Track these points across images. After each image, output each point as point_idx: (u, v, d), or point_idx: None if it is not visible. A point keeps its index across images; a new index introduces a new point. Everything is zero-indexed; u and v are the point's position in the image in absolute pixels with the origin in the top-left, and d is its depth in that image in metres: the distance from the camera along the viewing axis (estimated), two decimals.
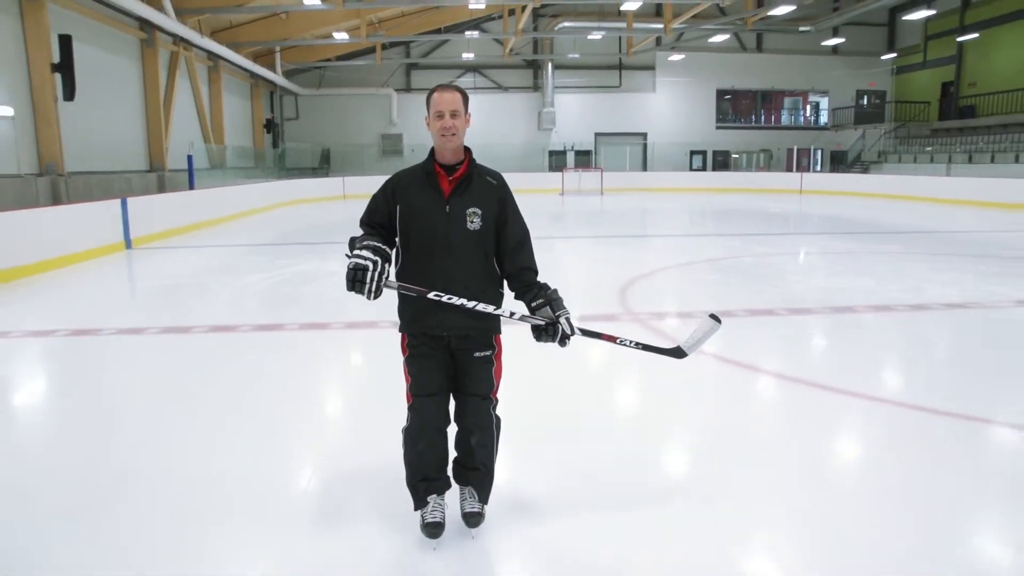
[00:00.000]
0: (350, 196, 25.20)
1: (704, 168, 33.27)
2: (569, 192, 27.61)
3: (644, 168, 32.73)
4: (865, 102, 33.93)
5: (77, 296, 8.15)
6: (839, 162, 32.69)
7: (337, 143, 31.43)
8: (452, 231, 2.58)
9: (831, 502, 3.08)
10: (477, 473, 2.79)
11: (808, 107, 35.15)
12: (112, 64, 16.41)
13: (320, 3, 18.07)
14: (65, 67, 12.99)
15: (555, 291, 2.67)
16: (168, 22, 17.09)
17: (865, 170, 30.04)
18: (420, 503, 2.77)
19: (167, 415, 4.28)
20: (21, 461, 3.71)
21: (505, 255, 2.67)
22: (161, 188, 17.48)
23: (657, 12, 26.58)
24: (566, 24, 28.15)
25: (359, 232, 2.63)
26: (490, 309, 2.59)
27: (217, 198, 16.94)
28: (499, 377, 2.79)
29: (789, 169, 31.68)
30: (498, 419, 2.82)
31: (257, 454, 3.66)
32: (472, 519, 2.79)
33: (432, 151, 2.65)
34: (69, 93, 13.19)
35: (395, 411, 2.94)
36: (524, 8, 21.18)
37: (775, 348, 5.72)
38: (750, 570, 2.68)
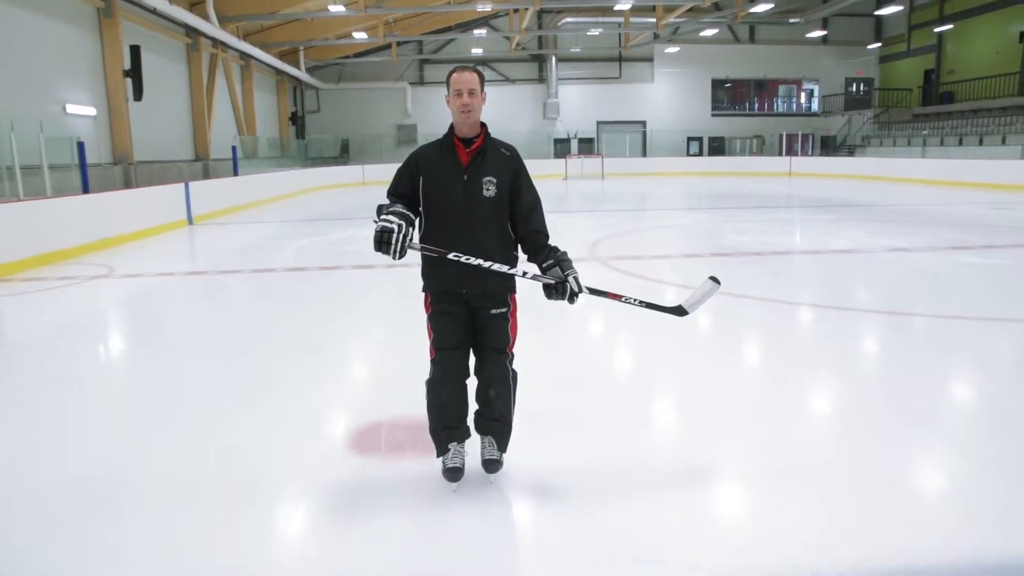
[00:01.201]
0: (369, 183, 27.47)
1: (700, 153, 35.26)
2: (572, 177, 29.70)
3: (644, 154, 34.77)
4: (854, 89, 35.78)
5: (177, 253, 10.51)
6: (829, 146, 34.62)
7: (356, 134, 33.70)
8: (470, 198, 2.81)
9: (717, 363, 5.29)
10: (496, 424, 2.97)
11: (803, 94, 37.07)
12: (166, 67, 18.79)
13: (344, 9, 20.29)
14: (134, 72, 15.34)
15: (564, 253, 2.89)
16: (211, 28, 19.40)
17: (851, 153, 32.00)
18: (442, 450, 2.96)
19: (272, 327, 6.60)
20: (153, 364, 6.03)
21: (518, 220, 2.90)
22: (206, 175, 19.82)
23: (654, 7, 28.67)
24: (568, 20, 30.33)
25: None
26: (504, 268, 2.79)
27: (256, 183, 19.27)
28: (515, 333, 3.00)
29: (781, 154, 33.68)
30: (515, 373, 3.02)
31: (329, 374, 5.45)
32: (491, 466, 2.96)
33: (451, 126, 2.90)
34: (138, 94, 15.55)
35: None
36: (528, 8, 23.24)
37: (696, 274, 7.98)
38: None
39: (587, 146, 34.22)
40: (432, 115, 33.25)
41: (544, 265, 2.86)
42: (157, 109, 18.03)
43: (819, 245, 9.76)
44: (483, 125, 2.92)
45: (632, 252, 9.94)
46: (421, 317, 2.99)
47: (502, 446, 3.00)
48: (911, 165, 24.71)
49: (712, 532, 2.66)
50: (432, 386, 2.93)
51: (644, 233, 11.82)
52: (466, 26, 31.35)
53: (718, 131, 35.56)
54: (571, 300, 2.81)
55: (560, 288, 2.79)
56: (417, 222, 2.87)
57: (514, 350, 2.99)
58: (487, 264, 2.76)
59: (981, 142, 24.53)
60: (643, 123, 35.07)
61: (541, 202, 2.96)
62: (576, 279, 2.80)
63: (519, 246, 2.96)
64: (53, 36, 13.86)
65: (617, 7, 23.22)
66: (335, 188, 26.06)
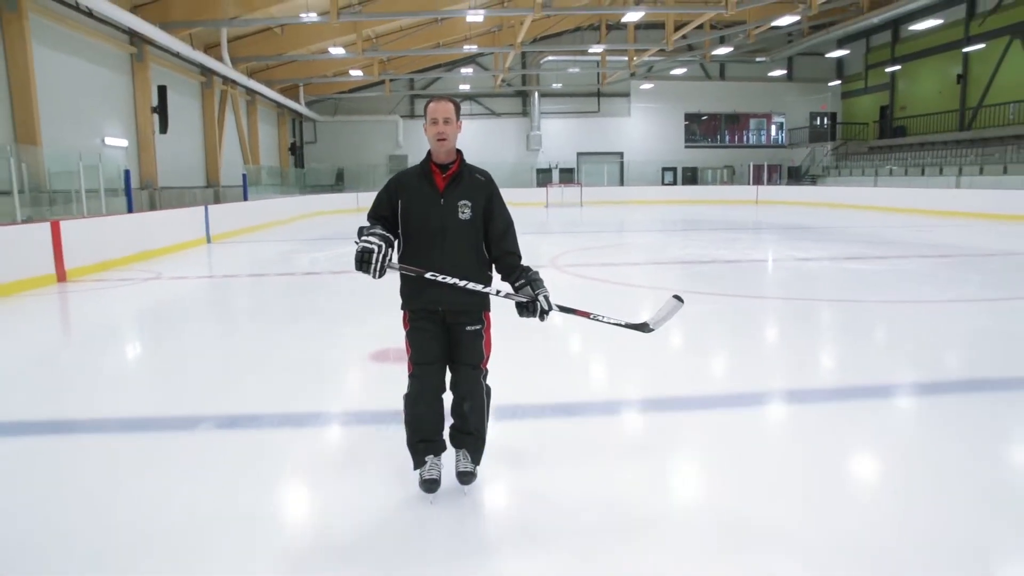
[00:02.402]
0: (363, 209, 28.98)
1: (675, 182, 37.63)
2: (553, 205, 31.85)
3: (621, 183, 37.11)
4: (818, 123, 38.36)
5: (209, 263, 12.49)
6: (795, 176, 37.07)
7: (351, 163, 35.89)
8: (446, 220, 2.92)
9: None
10: (470, 437, 3.08)
11: (773, 127, 39.65)
12: (184, 104, 20.94)
13: (344, 51, 22.53)
14: (161, 109, 17.44)
15: (536, 272, 3.00)
16: (224, 68, 21.58)
17: (813, 183, 34.42)
18: (419, 462, 3.06)
19: (299, 308, 8.61)
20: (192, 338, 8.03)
21: (492, 241, 3.01)
22: (217, 200, 21.85)
23: (626, 50, 31.15)
24: (549, 59, 32.82)
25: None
26: (479, 287, 2.90)
27: (263, 208, 21.29)
28: (488, 349, 3.11)
29: (750, 183, 36.08)
30: (488, 388, 3.14)
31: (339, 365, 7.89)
32: (465, 478, 3.07)
33: (428, 153, 3.02)
34: (163, 128, 17.65)
35: None
36: (509, 52, 25.59)
37: (641, 277, 10.05)
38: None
39: (568, 176, 36.53)
40: (422, 146, 34.23)
41: (516, 284, 2.99)
42: (176, 141, 20.11)
43: (741, 256, 11.91)
44: (459, 152, 3.05)
45: (596, 262, 12.03)
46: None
47: (476, 459, 3.11)
48: (864, 193, 27.10)
49: (688, 549, 2.72)
50: (410, 400, 3.04)
51: (601, 248, 13.92)
52: (454, 64, 33.75)
53: (691, 162, 37.98)
54: (541, 317, 2.93)
55: (531, 306, 2.91)
56: (396, 243, 2.99)
57: (488, 366, 3.12)
58: (462, 283, 2.88)
59: (923, 172, 26.95)
60: (620, 154, 37.45)
61: (514, 225, 3.10)
62: (546, 297, 2.93)
63: (493, 266, 3.09)
64: (95, 78, 16.00)
65: (591, 51, 25.57)
66: (332, 214, 28.09)
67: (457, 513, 2.98)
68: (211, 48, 21.11)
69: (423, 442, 3.06)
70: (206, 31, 20.25)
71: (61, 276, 10.13)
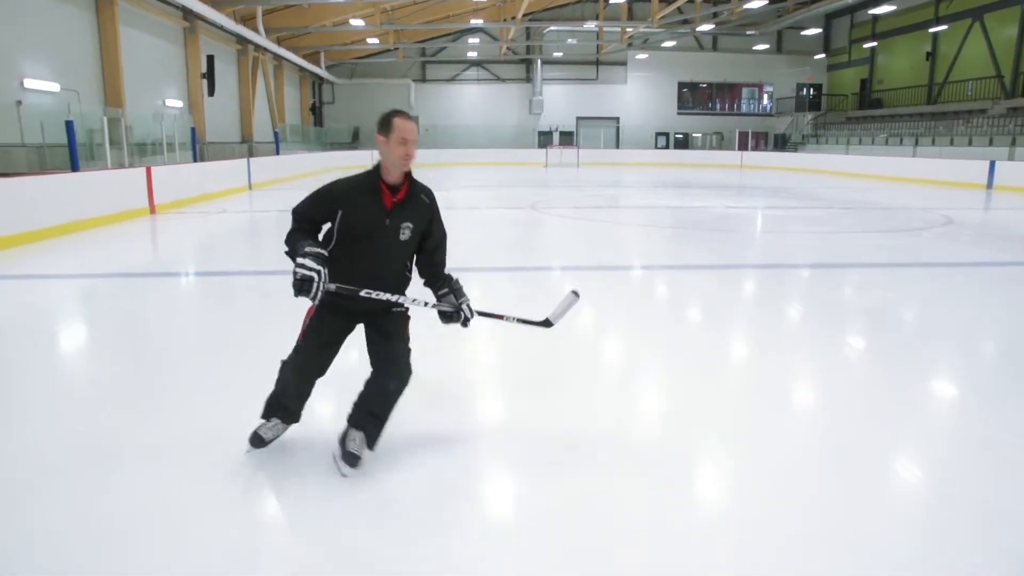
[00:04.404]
0: None
1: (667, 147, 40.32)
2: (552, 165, 34.65)
3: (617, 146, 39.83)
4: (804, 93, 40.81)
5: (261, 203, 15.52)
6: (780, 143, 39.69)
7: (366, 123, 38.69)
8: (389, 240, 2.91)
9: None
10: (375, 420, 2.99)
11: (765, 96, 42.12)
12: (224, 69, 23.80)
13: (364, 23, 25.27)
14: (209, 75, 20.34)
15: (457, 281, 3.10)
16: (258, 37, 24.37)
17: (795, 150, 37.08)
18: (268, 416, 3.16)
19: None
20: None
21: (424, 255, 3.08)
22: (251, 154, 24.77)
23: (630, 15, 33.68)
24: (551, 29, 35.38)
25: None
26: (409, 302, 2.98)
27: (291, 161, 24.28)
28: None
29: (735, 149, 38.76)
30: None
31: None
32: (353, 460, 2.97)
33: (378, 167, 2.89)
34: (211, 91, 20.59)
35: None
36: (511, 27, 28.27)
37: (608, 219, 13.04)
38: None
39: (567, 138, 39.27)
40: (432, 108, 38.31)
41: (439, 293, 3.06)
42: (217, 102, 23.03)
43: (684, 204, 14.93)
44: (407, 172, 2.93)
45: (563, 203, 15.06)
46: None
47: (371, 444, 3.02)
48: (836, 160, 29.86)
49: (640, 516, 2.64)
50: (291, 368, 3.06)
51: (595, 199, 16.93)
52: (462, 33, 36.34)
53: (683, 128, 40.63)
54: (464, 324, 3.02)
55: (455, 315, 3.01)
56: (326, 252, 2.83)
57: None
58: (395, 298, 2.91)
59: (901, 142, 29.64)
60: (617, 119, 40.13)
61: (447, 239, 3.15)
62: (468, 306, 3.01)
63: (418, 272, 3.12)
64: (157, 50, 18.95)
65: (585, 27, 28.20)
66: (349, 168, 30.51)
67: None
68: (247, 20, 23.88)
69: (283, 407, 3.13)
70: (244, 6, 23.03)
71: (152, 209, 13.20)
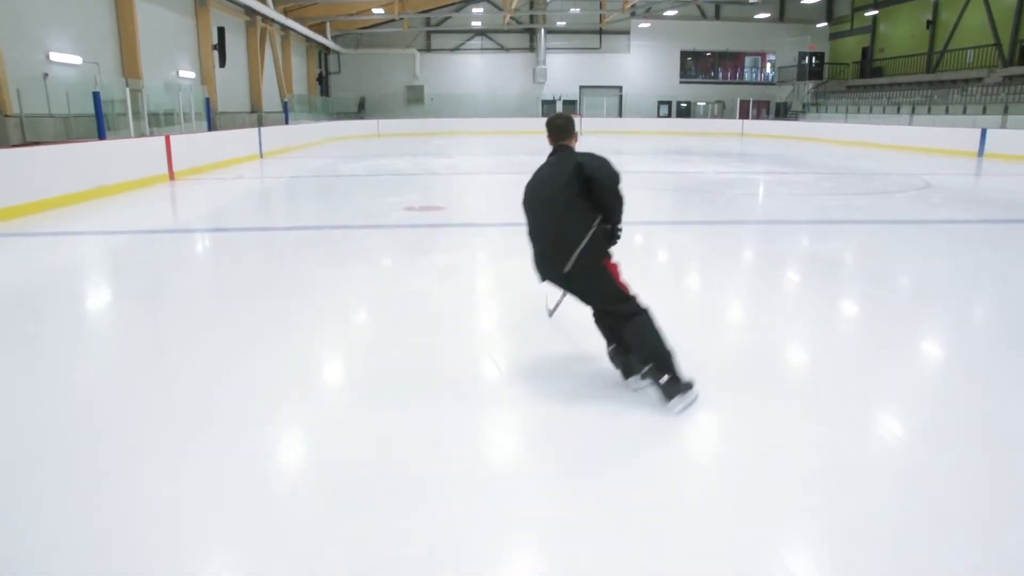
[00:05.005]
0: (384, 135, 33.15)
1: (669, 115, 40.73)
2: None
3: (620, 115, 40.28)
4: (806, 62, 41.04)
5: (273, 170, 16.31)
6: (782, 112, 40.06)
7: (371, 93, 39.24)
8: None
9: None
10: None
11: (768, 65, 42.36)
12: (233, 41, 24.42)
13: None
14: (220, 46, 21.00)
15: None
16: (266, 9, 24.93)
17: (796, 118, 37.49)
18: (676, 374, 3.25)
19: (352, 194, 12.46)
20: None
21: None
22: (260, 123, 25.47)
23: None
24: None
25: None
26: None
27: (300, 131, 24.98)
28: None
29: (737, 117, 39.19)
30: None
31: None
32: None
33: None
34: (222, 62, 21.27)
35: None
36: None
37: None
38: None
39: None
40: (437, 77, 38.82)
41: None
42: (228, 73, 23.70)
43: (677, 170, 15.63)
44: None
45: None
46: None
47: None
48: (835, 128, 30.32)
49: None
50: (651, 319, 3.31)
51: None
52: (467, 3, 36.68)
53: (686, 96, 40.98)
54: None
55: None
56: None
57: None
58: None
59: (884, 111, 30.11)
60: (620, 88, 40.51)
61: None
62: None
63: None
64: (169, 22, 19.62)
65: None
66: (355, 138, 31.70)
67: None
68: None
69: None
70: None
71: (171, 175, 14.01)
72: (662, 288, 5.76)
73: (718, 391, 3.42)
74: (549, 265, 3.35)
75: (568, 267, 3.25)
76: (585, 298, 3.43)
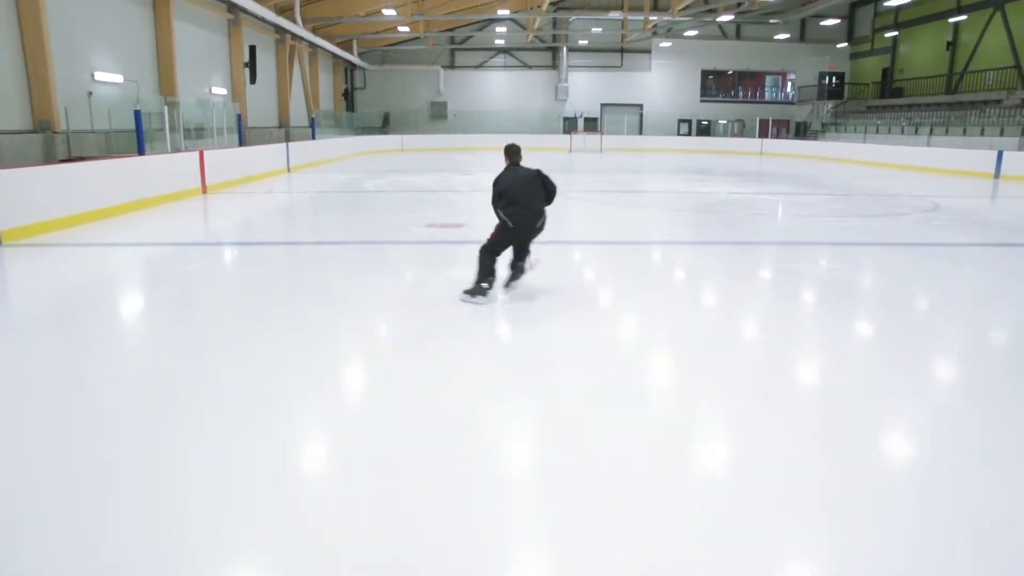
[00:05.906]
0: (407, 150, 33.88)
1: (689, 133, 41.16)
2: (576, 150, 35.73)
3: (640, 132, 40.75)
4: (827, 82, 41.33)
5: (301, 185, 16.96)
6: (802, 132, 40.33)
7: (396, 108, 40.09)
8: None
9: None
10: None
11: (788, 84, 42.69)
12: (263, 58, 25.26)
13: (395, 13, 26.55)
14: (251, 64, 21.80)
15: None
16: (295, 27, 25.76)
17: (815, 138, 37.73)
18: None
19: (376, 207, 13.03)
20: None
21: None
22: (287, 138, 26.25)
23: (654, 5, 34.57)
24: (576, 17, 36.37)
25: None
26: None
27: (326, 146, 25.70)
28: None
29: (757, 136, 39.50)
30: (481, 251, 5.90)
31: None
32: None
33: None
34: (253, 79, 22.07)
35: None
36: (536, 18, 29.36)
37: (622, 199, 14.25)
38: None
39: (592, 124, 40.30)
40: (460, 94, 39.59)
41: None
42: (257, 89, 24.53)
43: (692, 190, 16.05)
44: None
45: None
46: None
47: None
48: (853, 148, 30.59)
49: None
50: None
51: (618, 183, 18.14)
52: (491, 22, 37.46)
53: (706, 115, 41.42)
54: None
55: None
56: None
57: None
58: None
59: (903, 131, 30.31)
60: (640, 106, 41.03)
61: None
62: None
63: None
64: (203, 41, 20.44)
65: (610, 16, 29.26)
66: (380, 153, 32.46)
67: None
68: (285, 11, 25.25)
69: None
70: None
71: (204, 189, 14.68)
72: (674, 305, 6.20)
73: (727, 401, 3.86)
74: (531, 222, 5.87)
75: (540, 223, 5.94)
76: (531, 240, 6.06)
